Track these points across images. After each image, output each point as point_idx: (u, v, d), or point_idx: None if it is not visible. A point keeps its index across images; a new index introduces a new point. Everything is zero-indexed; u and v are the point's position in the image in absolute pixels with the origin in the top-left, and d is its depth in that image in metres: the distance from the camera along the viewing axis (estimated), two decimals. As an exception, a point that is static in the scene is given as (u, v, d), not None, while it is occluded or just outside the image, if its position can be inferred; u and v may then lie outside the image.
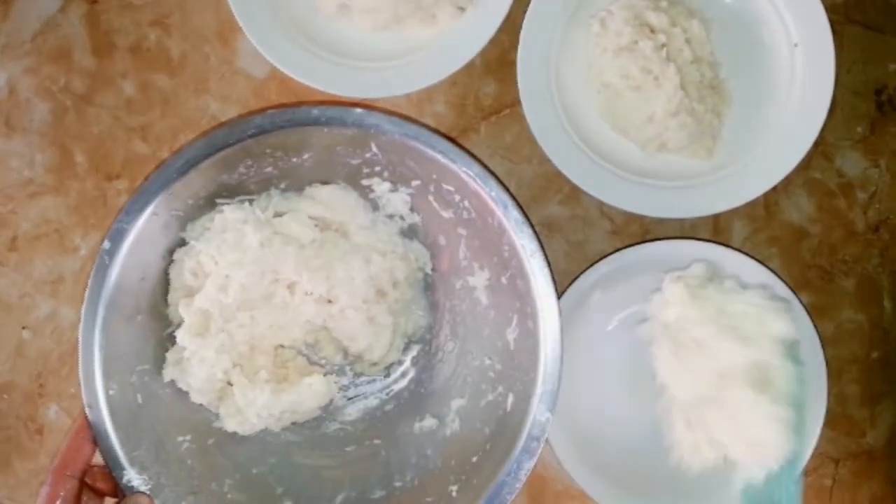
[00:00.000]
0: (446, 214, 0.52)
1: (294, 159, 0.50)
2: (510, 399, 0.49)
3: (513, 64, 0.54)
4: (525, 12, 0.54)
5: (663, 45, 0.52)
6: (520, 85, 0.54)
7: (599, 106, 0.56)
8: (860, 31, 0.58)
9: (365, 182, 0.52)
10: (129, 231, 0.47)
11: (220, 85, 0.59)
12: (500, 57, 0.58)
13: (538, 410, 0.47)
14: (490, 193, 0.47)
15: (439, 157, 0.48)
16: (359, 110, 0.48)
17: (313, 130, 0.48)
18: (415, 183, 0.51)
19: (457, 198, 0.50)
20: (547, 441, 0.52)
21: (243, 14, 0.54)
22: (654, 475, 0.54)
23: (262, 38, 0.54)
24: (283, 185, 0.52)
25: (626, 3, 0.53)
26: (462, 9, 0.56)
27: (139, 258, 0.48)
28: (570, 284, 0.53)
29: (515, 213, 0.47)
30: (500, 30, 0.54)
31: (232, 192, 0.51)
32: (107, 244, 0.47)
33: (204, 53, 0.59)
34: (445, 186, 0.50)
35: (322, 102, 0.48)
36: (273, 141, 0.48)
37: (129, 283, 0.48)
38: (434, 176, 0.49)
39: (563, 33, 0.55)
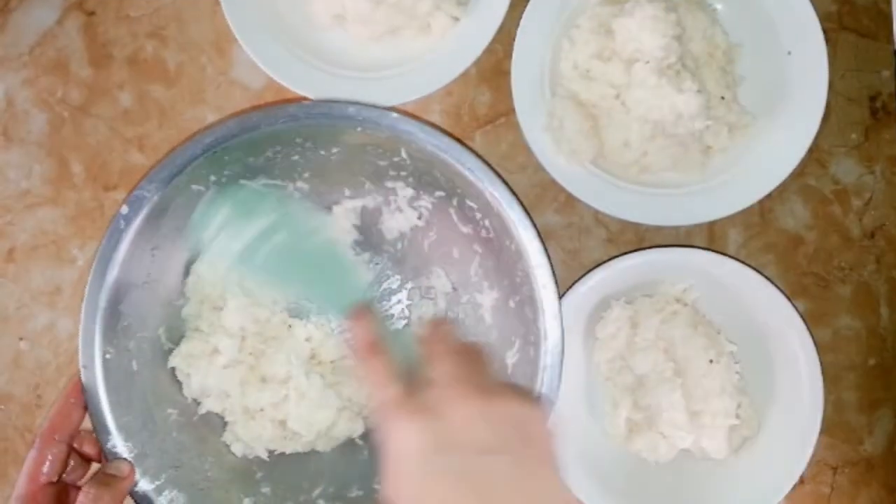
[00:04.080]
0: (465, 230, 0.52)
1: (322, 152, 0.50)
2: None
3: (507, 73, 0.54)
4: (519, 22, 0.54)
5: (646, 61, 0.52)
6: (514, 94, 0.54)
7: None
8: (853, 38, 0.58)
9: (389, 184, 0.53)
10: (149, 199, 0.47)
11: (216, 95, 0.59)
12: (494, 66, 0.58)
13: None
14: (513, 217, 0.47)
15: (467, 173, 0.48)
16: (394, 115, 0.48)
17: (346, 128, 0.48)
18: (438, 193, 0.51)
19: (478, 215, 0.50)
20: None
21: (239, 25, 0.55)
22: (654, 482, 0.54)
23: (257, 48, 0.55)
24: (306, 175, 0.52)
25: (593, 13, 0.54)
26: (456, 19, 0.56)
27: (155, 228, 0.48)
28: (566, 292, 0.53)
29: (536, 242, 0.47)
30: (495, 39, 0.54)
31: (255, 173, 0.51)
32: (125, 209, 0.47)
33: (200, 64, 0.59)
34: (468, 203, 0.50)
35: (358, 102, 0.49)
36: (305, 131, 0.49)
37: (141, 251, 0.48)
38: (459, 190, 0.50)
39: (556, 42, 0.55)
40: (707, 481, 0.54)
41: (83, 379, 0.46)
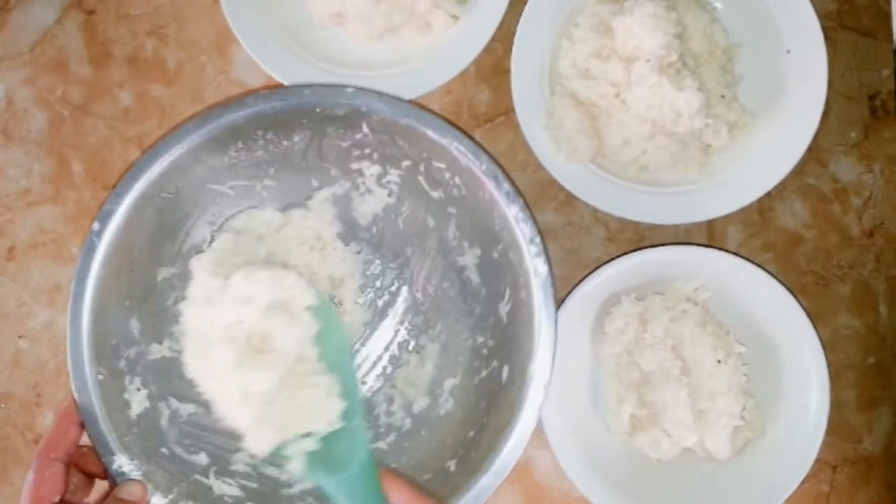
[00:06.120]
0: (436, 194, 0.52)
1: (285, 142, 0.50)
2: (505, 371, 0.49)
3: (507, 72, 0.54)
4: (518, 20, 0.54)
5: (647, 60, 0.52)
6: (513, 92, 0.54)
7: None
8: (853, 36, 0.58)
9: (355, 166, 0.52)
10: (119, 213, 0.47)
11: (216, 94, 0.59)
12: (494, 65, 0.58)
13: (537, 376, 0.47)
14: (481, 167, 0.48)
15: (430, 133, 0.48)
16: (350, 89, 0.48)
17: (305, 111, 0.48)
18: (405, 163, 0.51)
19: (447, 175, 0.50)
20: (548, 445, 0.52)
21: (239, 24, 0.55)
22: (656, 479, 0.55)
23: (257, 47, 0.55)
24: (272, 171, 0.52)
25: (592, 11, 0.54)
26: (456, 17, 0.56)
27: (128, 241, 0.48)
28: (573, 289, 0.53)
29: (506, 186, 0.48)
30: (494, 38, 0.54)
31: (223, 176, 0.51)
32: (96, 226, 0.47)
33: (200, 63, 0.59)
34: (436, 164, 0.50)
35: (313, 83, 0.49)
36: (265, 121, 0.48)
37: (118, 265, 0.48)
38: (425, 154, 0.50)
39: (555, 41, 0.55)
40: (709, 481, 0.54)
41: (79, 402, 0.46)
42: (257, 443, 0.46)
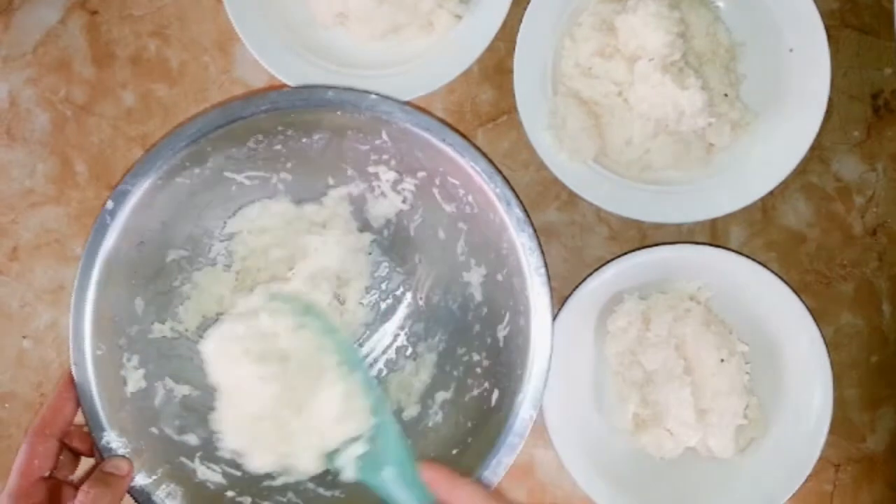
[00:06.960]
0: (449, 208, 0.52)
1: (304, 139, 0.51)
2: (495, 395, 0.49)
3: (510, 71, 0.54)
4: (521, 20, 0.54)
5: (650, 59, 0.52)
6: (516, 92, 0.54)
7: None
8: (855, 35, 0.58)
9: (372, 169, 0.53)
10: (134, 193, 0.47)
11: (219, 94, 0.59)
12: (497, 64, 0.58)
13: (523, 408, 0.47)
14: (495, 190, 0.48)
15: (448, 149, 0.48)
16: (373, 96, 0.48)
17: (327, 112, 0.49)
18: (420, 174, 0.51)
19: (461, 192, 0.50)
20: (551, 444, 0.52)
21: (242, 24, 0.55)
22: (659, 478, 0.55)
23: (260, 47, 0.55)
24: (289, 165, 0.52)
25: (594, 10, 0.54)
26: (459, 17, 0.56)
27: (141, 222, 0.48)
28: (576, 287, 0.53)
29: (517, 211, 0.48)
30: (497, 37, 0.54)
31: (240, 166, 0.51)
32: (110, 204, 0.47)
33: (203, 63, 0.60)
34: (451, 180, 0.50)
35: (337, 86, 0.49)
36: (286, 119, 0.49)
37: (128, 245, 0.48)
38: (441, 168, 0.50)
39: (559, 40, 0.55)
40: (712, 480, 0.54)
41: (75, 376, 0.46)
42: (306, 465, 0.46)
